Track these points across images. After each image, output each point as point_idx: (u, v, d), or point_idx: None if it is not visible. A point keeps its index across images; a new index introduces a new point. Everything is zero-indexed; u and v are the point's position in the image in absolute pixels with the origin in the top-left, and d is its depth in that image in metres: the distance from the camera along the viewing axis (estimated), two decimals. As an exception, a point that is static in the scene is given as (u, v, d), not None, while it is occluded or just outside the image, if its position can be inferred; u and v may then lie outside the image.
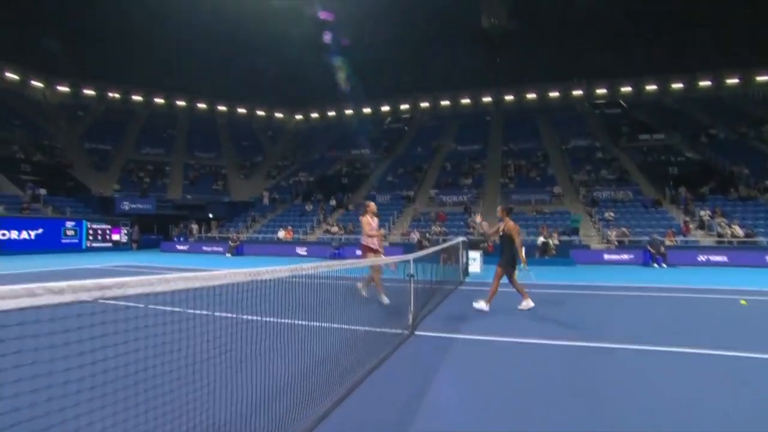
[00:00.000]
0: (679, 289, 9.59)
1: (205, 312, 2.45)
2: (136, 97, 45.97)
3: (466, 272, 11.68)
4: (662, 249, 15.43)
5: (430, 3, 39.94)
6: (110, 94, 45.31)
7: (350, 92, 43.87)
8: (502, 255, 6.88)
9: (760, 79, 37.41)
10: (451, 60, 44.79)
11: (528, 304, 6.83)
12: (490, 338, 5.13)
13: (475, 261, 12.74)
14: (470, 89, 45.51)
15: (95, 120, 41.15)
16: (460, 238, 11.30)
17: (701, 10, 37.06)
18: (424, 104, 46.73)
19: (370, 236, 7.31)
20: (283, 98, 47.80)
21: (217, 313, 2.58)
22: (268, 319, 2.72)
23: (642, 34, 40.42)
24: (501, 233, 6.89)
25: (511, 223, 6.79)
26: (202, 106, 47.61)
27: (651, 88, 41.49)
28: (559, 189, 25.36)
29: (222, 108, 48.05)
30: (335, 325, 3.88)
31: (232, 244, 20.73)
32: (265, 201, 28.56)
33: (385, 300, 6.79)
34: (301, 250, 19.80)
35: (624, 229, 19.14)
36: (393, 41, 43.55)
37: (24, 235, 20.12)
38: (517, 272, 6.97)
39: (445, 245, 9.42)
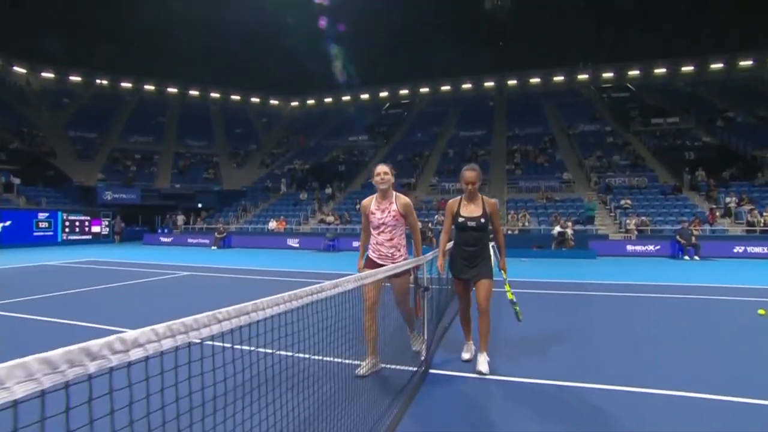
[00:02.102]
0: (731, 290, 8.10)
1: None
2: (126, 84, 44.10)
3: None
4: (693, 239, 13.90)
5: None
6: (98, 81, 43.38)
7: (348, 78, 42.11)
8: (483, 259, 3.72)
9: (776, 60, 35.70)
10: (452, 45, 42.90)
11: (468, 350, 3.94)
12: (529, 380, 3.63)
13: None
14: (472, 74, 43.76)
15: (81, 107, 39.27)
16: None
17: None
18: (424, 90, 44.97)
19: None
20: (279, 85, 45.92)
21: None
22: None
23: (649, 16, 38.57)
24: (481, 219, 3.67)
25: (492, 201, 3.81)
26: (194, 93, 45.71)
27: (660, 71, 39.74)
28: (569, 175, 23.82)
29: (215, 95, 46.18)
30: (325, 358, 2.38)
31: (218, 236, 19.13)
32: (283, 189, 26.90)
33: (417, 346, 3.97)
34: (293, 242, 18.23)
35: (644, 218, 17.64)
36: (391, 26, 41.78)
37: (-8, 227, 18.52)
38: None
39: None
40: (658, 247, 14.96)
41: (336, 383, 2.63)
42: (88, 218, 22.12)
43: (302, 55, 40.68)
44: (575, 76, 41.58)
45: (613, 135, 29.20)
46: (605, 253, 14.88)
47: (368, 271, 2.60)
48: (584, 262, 12.98)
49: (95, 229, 22.22)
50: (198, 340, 1.15)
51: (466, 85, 44.20)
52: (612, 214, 19.34)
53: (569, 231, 15.64)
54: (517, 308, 3.92)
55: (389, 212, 3.59)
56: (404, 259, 3.60)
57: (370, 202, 3.71)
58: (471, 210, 3.67)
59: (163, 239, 21.55)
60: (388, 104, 43.90)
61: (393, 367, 3.59)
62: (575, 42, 40.01)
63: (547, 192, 22.08)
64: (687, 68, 38.92)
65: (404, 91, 45.22)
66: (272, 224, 20.65)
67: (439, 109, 40.40)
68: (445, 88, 44.43)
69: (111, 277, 9.54)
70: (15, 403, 0.66)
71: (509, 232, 17.90)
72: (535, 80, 42.68)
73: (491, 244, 3.92)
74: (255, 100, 47.44)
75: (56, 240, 20.61)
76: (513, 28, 41.33)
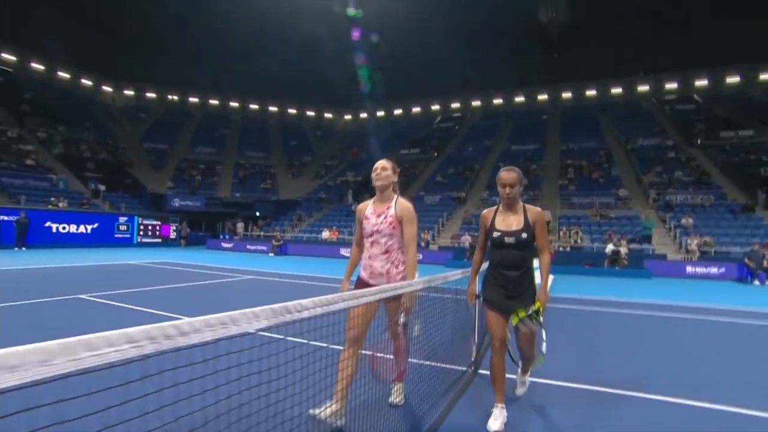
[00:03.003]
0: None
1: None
2: (193, 99, 47.60)
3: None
4: (766, 263, 13.14)
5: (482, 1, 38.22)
6: (170, 97, 47.22)
7: (399, 92, 43.08)
8: (528, 288, 2.96)
9: None
10: (505, 57, 42.80)
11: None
12: (571, 385, 3.90)
13: (536, 270, 11.28)
14: (525, 87, 43.29)
15: (155, 121, 42.90)
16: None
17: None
18: (476, 103, 44.98)
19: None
20: (333, 98, 47.72)
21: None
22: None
23: (720, 20, 36.44)
24: (522, 234, 2.91)
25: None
26: (254, 107, 48.49)
27: (733, 79, 37.29)
28: (626, 192, 23.06)
29: (273, 108, 48.71)
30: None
31: (275, 243, 20.33)
32: (349, 200, 27.40)
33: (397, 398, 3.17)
34: (345, 252, 19.02)
35: (707, 238, 16.81)
36: (444, 40, 42.29)
37: (81, 229, 20.78)
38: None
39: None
40: (722, 269, 14.25)
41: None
42: (159, 223, 24.17)
43: (355, 69, 42.17)
44: (634, 87, 39.98)
45: (675, 149, 27.89)
46: (662, 274, 14.37)
47: (352, 292, 2.08)
48: (639, 282, 12.66)
49: (165, 233, 24.21)
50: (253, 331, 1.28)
51: (519, 98, 43.75)
52: (671, 233, 18.55)
53: (623, 249, 15.26)
54: (542, 358, 3.11)
55: (385, 217, 2.96)
56: (403, 278, 2.92)
57: (366, 206, 3.09)
58: (509, 222, 2.91)
59: (224, 245, 23.14)
60: (439, 118, 44.35)
61: (443, 366, 3.60)
62: (635, 51, 38.62)
63: (601, 209, 21.51)
64: (765, 76, 36.17)
65: (456, 105, 45.50)
66: (325, 234, 21.61)
67: (491, 123, 40.30)
68: (498, 101, 44.21)
69: (183, 277, 10.60)
70: (130, 361, 0.94)
71: (560, 248, 17.67)
72: (591, 92, 41.47)
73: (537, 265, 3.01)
74: (310, 113, 49.53)
75: (132, 242, 22.70)
76: (568, 39, 40.63)
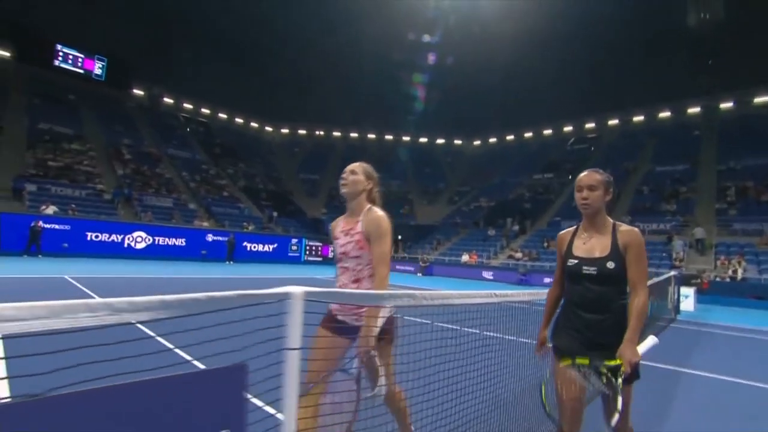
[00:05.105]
0: None
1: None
2: (336, 134, 54.06)
3: (677, 310, 10.84)
4: None
5: (616, 10, 36.89)
6: (317, 132, 54.42)
7: (529, 114, 43.46)
8: (616, 336, 2.06)
9: None
10: (645, 69, 40.38)
11: None
12: (716, 376, 5.10)
13: (687, 298, 11.66)
14: (671, 101, 39.94)
15: (306, 155, 49.88)
16: (672, 273, 10.60)
17: None
18: (613, 122, 42.89)
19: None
20: (461, 125, 49.90)
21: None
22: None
23: None
24: (608, 263, 2.13)
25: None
26: (388, 137, 53.12)
27: None
28: (805, 217, 20.59)
29: (406, 138, 52.73)
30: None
31: (422, 265, 22.86)
32: (509, 225, 27.09)
33: None
34: (487, 274, 20.64)
35: None
36: (575, 55, 41.54)
37: (265, 248, 25.90)
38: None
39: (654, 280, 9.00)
40: None
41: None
42: (321, 244, 28.60)
43: (483, 95, 43.88)
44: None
45: None
46: None
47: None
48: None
49: (325, 253, 28.55)
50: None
51: (664, 114, 40.46)
52: None
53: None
54: None
55: (352, 236, 2.31)
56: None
57: (338, 223, 2.46)
58: (591, 246, 2.18)
59: (375, 264, 26.45)
60: (572, 139, 43.38)
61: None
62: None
63: (770, 236, 19.63)
64: None
65: (590, 125, 43.94)
66: (465, 257, 23.50)
67: (631, 142, 38.21)
68: (638, 118, 41.53)
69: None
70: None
71: (716, 279, 16.85)
72: (759, 99, 36.36)
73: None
74: (440, 141, 52.39)
75: (300, 260, 27.35)
76: (727, 41, 36.75)
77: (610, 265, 2.07)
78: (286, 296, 1.28)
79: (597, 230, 2.19)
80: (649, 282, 7.60)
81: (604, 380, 1.95)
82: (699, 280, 15.37)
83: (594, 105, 42.51)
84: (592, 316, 2.10)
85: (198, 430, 1.06)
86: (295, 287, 1.30)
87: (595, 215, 2.18)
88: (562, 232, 2.36)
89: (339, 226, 2.41)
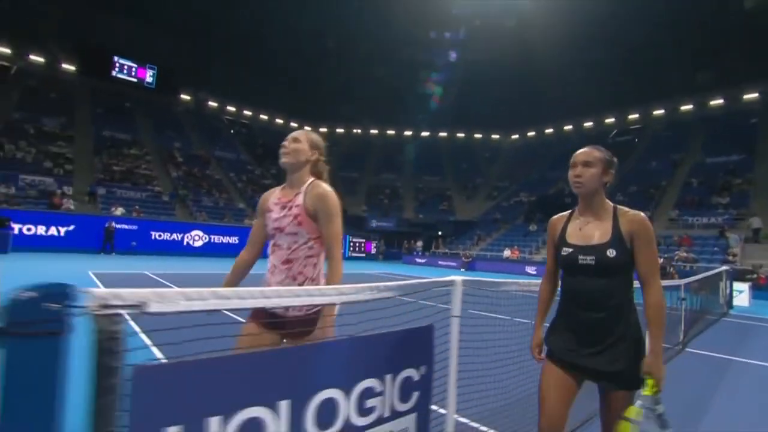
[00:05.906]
0: None
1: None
2: (373, 131, 54.85)
3: (730, 304, 10.87)
4: None
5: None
6: (354, 131, 55.43)
7: (569, 106, 42.58)
8: (621, 339, 1.78)
9: None
10: (694, 55, 38.49)
11: None
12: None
13: (741, 293, 11.61)
14: (723, 87, 38.03)
15: (344, 153, 50.95)
16: (723, 268, 10.63)
17: None
18: (658, 112, 41.43)
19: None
20: (499, 119, 49.50)
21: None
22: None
23: None
24: (608, 251, 1.81)
25: None
26: (425, 133, 53.44)
27: None
28: None
29: (443, 134, 52.87)
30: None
31: (465, 260, 23.29)
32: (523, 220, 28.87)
33: None
34: (531, 269, 20.83)
35: None
36: (618, 43, 40.20)
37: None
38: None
39: (697, 277, 8.84)
40: None
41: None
42: (364, 240, 29.49)
43: (521, 88, 43.34)
44: None
45: None
46: None
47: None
48: None
49: (368, 249, 29.43)
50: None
51: (716, 101, 38.65)
52: None
53: None
54: None
55: (290, 209, 2.02)
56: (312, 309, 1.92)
57: (272, 194, 2.18)
58: (588, 232, 1.87)
59: (418, 260, 27.15)
60: (615, 131, 42.28)
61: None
62: None
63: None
64: None
65: (634, 116, 42.64)
66: (507, 252, 23.72)
67: (678, 133, 36.88)
68: (686, 107, 39.92)
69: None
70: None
71: (774, 272, 16.36)
72: (821, 85, 34.44)
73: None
74: (477, 135, 52.20)
75: (345, 255, 28.28)
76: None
77: (611, 253, 1.75)
78: (451, 283, 1.93)
79: (594, 214, 1.87)
80: (698, 276, 7.75)
81: (651, 414, 1.63)
82: (755, 275, 15.06)
83: (637, 94, 41.21)
84: (589, 313, 1.78)
85: (410, 363, 1.73)
86: (456, 277, 1.95)
87: (592, 197, 1.87)
88: (555, 217, 2.04)
89: (273, 197, 2.11)
